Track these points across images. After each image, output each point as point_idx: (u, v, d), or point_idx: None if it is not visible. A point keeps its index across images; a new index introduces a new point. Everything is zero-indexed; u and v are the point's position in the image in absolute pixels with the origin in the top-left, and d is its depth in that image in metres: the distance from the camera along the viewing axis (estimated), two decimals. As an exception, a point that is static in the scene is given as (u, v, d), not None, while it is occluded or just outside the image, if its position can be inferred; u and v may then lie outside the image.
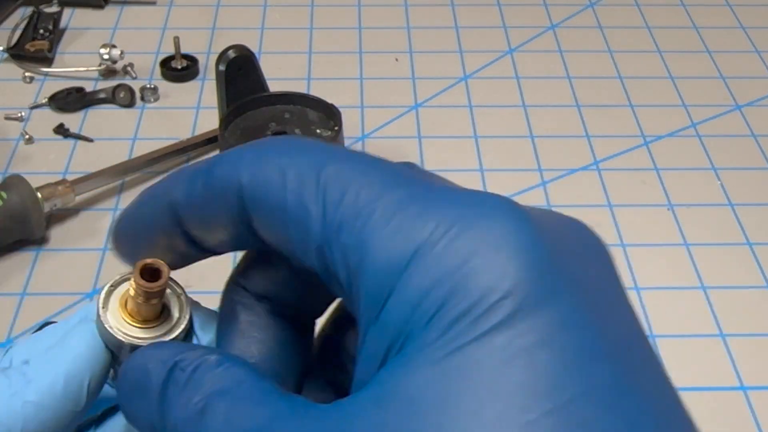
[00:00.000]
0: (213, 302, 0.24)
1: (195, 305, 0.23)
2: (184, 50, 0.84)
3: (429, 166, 0.45)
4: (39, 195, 0.65)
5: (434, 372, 0.16)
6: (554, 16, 0.94)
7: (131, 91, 0.80)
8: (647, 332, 0.62)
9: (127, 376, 0.20)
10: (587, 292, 0.17)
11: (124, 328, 0.22)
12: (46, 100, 0.80)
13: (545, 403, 0.15)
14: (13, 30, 0.87)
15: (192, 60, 0.85)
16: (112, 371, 0.23)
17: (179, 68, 0.84)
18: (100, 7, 0.93)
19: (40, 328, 0.58)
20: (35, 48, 0.85)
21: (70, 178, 0.69)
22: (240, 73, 0.73)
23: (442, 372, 0.16)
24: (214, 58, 0.75)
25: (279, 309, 0.22)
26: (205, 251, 0.22)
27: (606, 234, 0.69)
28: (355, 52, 0.88)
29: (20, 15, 0.91)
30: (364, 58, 0.87)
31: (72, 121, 0.79)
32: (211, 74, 0.79)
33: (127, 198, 0.71)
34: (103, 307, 0.22)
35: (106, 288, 0.22)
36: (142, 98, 0.81)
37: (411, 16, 0.94)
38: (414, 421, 0.16)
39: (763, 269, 0.67)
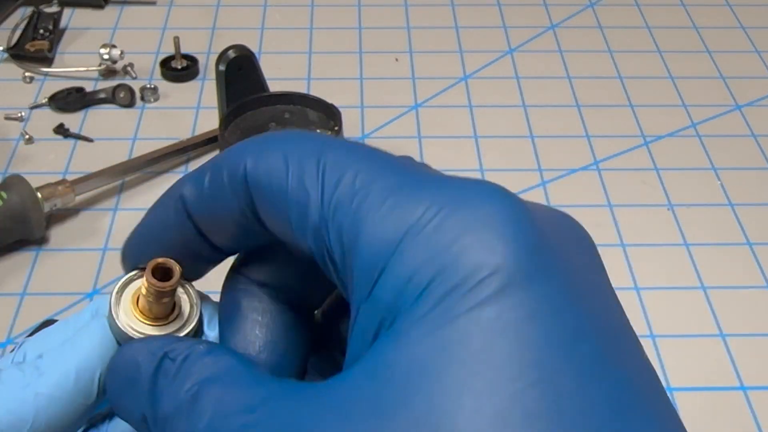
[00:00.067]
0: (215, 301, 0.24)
1: (205, 301, 0.23)
2: (184, 50, 0.84)
3: (429, 166, 0.45)
4: (39, 195, 0.65)
5: (425, 344, 0.16)
6: (554, 16, 0.94)
7: (131, 91, 0.80)
8: (647, 332, 0.62)
9: (116, 370, 0.21)
10: (574, 273, 0.18)
11: (136, 325, 0.22)
12: (46, 100, 0.80)
13: (532, 373, 0.16)
14: (13, 30, 0.87)
15: (192, 60, 0.85)
16: None
17: (179, 68, 0.84)
18: (100, 7, 0.93)
19: (41, 326, 0.58)
20: (35, 48, 0.85)
21: (70, 178, 0.69)
22: (240, 73, 0.73)
23: (433, 344, 0.16)
24: (214, 58, 0.75)
25: (280, 296, 0.23)
26: (218, 250, 0.22)
27: (606, 234, 0.69)
28: (355, 52, 0.88)
29: (20, 15, 0.91)
30: (364, 58, 0.87)
31: (72, 121, 0.79)
32: (211, 74, 0.79)
33: (127, 198, 0.71)
34: (115, 304, 0.22)
35: (118, 285, 0.23)
36: (142, 98, 0.81)
37: (411, 16, 0.94)
38: (406, 391, 0.16)
39: (763, 269, 0.67)
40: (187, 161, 0.75)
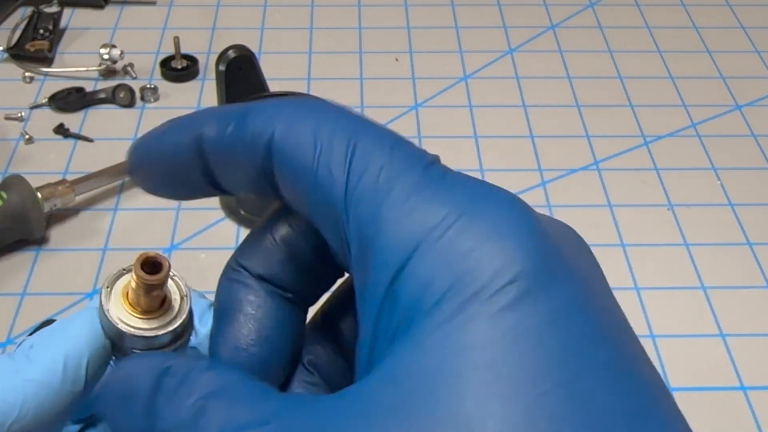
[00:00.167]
0: (209, 298, 0.24)
1: (195, 296, 0.24)
2: (184, 50, 0.84)
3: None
4: (39, 195, 0.65)
5: (447, 349, 0.17)
6: (554, 16, 0.94)
7: (131, 91, 0.80)
8: (647, 332, 0.62)
9: (110, 387, 0.20)
10: (586, 280, 0.18)
11: (125, 318, 0.22)
12: (46, 100, 0.80)
13: (555, 376, 0.16)
14: (13, 30, 0.87)
15: (192, 60, 0.85)
16: (115, 359, 0.23)
17: (179, 68, 0.84)
18: (100, 7, 0.93)
19: (41, 326, 0.58)
20: (35, 48, 0.85)
21: (70, 178, 0.69)
22: (240, 73, 0.73)
23: (455, 349, 0.16)
24: (214, 58, 0.75)
25: (277, 292, 0.23)
26: (218, 189, 0.22)
27: (606, 234, 0.69)
28: (355, 52, 0.88)
29: (20, 15, 0.91)
30: (364, 58, 0.87)
31: (72, 121, 0.79)
32: (211, 74, 0.79)
33: (127, 198, 0.71)
34: (105, 298, 0.22)
35: (108, 279, 0.23)
36: (142, 98, 0.81)
37: (411, 16, 0.94)
38: (431, 397, 0.16)
39: (763, 269, 0.67)
40: (187, 161, 0.75)
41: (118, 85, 0.80)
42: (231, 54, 0.72)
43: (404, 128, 0.79)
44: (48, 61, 0.85)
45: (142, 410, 0.19)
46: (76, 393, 0.22)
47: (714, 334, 0.62)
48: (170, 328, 0.22)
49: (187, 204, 0.70)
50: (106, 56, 0.82)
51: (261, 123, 0.20)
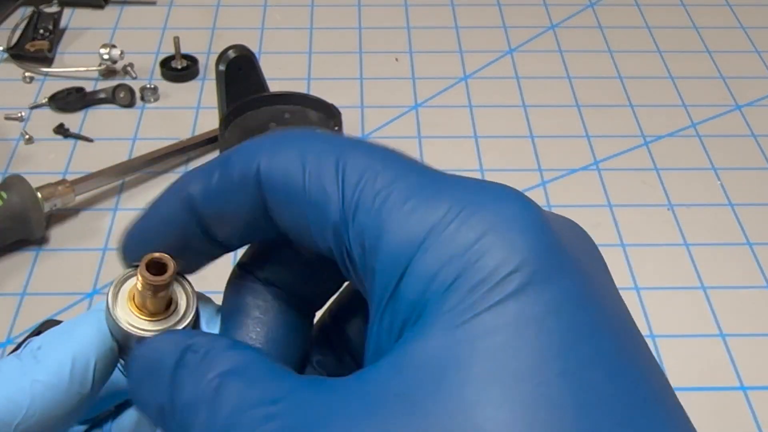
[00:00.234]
0: (215, 301, 0.24)
1: (202, 300, 0.24)
2: (184, 50, 0.84)
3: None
4: (39, 195, 0.65)
5: (451, 338, 0.17)
6: (554, 16, 0.94)
7: (131, 91, 0.80)
8: (647, 332, 0.62)
9: (138, 360, 0.21)
10: (588, 272, 0.18)
11: (132, 320, 0.22)
12: (46, 100, 0.80)
13: (557, 364, 0.16)
14: (13, 30, 0.87)
15: (192, 60, 0.85)
16: (122, 361, 0.23)
17: (179, 68, 0.84)
18: (100, 7, 0.93)
19: (41, 326, 0.58)
20: (35, 48, 0.85)
21: (70, 178, 0.69)
22: (240, 73, 0.73)
23: (460, 337, 0.17)
24: (214, 58, 0.75)
25: (283, 295, 0.23)
26: (219, 246, 0.22)
27: (606, 234, 0.69)
28: (355, 52, 0.88)
29: (20, 15, 0.91)
30: (364, 58, 0.87)
31: (72, 121, 0.79)
32: (211, 74, 0.79)
33: (127, 198, 0.71)
34: (112, 300, 0.22)
35: (115, 281, 0.23)
36: (142, 98, 0.81)
37: (411, 16, 0.94)
38: (435, 383, 0.16)
39: (763, 269, 0.67)
40: (187, 161, 0.75)
41: (118, 85, 0.80)
42: (231, 54, 0.72)
43: (404, 128, 0.79)
44: (48, 61, 0.85)
45: (166, 383, 0.20)
46: (83, 395, 0.22)
47: (714, 334, 0.62)
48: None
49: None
50: (106, 56, 0.82)
51: (245, 161, 0.20)
